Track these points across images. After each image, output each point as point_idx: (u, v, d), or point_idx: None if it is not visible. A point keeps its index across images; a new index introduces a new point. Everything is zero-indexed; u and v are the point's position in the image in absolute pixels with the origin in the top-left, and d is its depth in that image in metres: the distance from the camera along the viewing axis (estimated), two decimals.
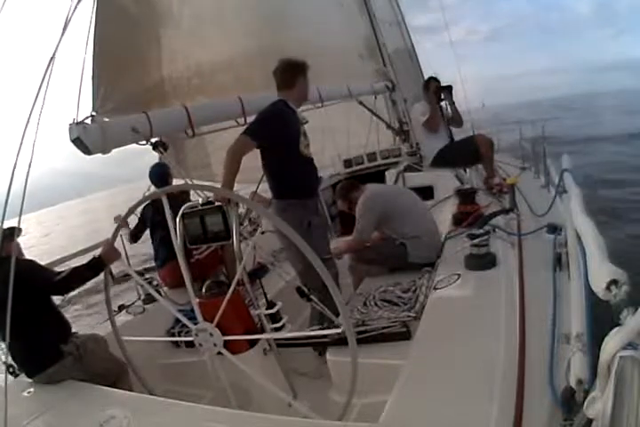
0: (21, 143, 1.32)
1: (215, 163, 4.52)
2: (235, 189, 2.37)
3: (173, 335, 2.60)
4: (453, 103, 4.29)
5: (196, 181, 3.08)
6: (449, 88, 4.25)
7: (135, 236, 3.34)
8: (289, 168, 2.49)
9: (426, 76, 5.42)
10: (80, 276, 2.07)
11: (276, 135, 2.40)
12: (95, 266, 2.08)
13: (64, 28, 1.66)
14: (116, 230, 2.13)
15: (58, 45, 1.57)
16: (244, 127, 2.46)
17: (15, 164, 1.31)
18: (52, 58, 1.49)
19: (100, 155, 2.29)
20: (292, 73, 2.53)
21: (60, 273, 2.05)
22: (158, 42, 2.85)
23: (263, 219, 4.08)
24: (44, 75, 1.44)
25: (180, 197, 2.82)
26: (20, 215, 1.51)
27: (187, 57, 3.03)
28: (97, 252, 2.15)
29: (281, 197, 2.54)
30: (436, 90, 4.20)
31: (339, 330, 1.51)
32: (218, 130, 3.31)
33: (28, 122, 1.35)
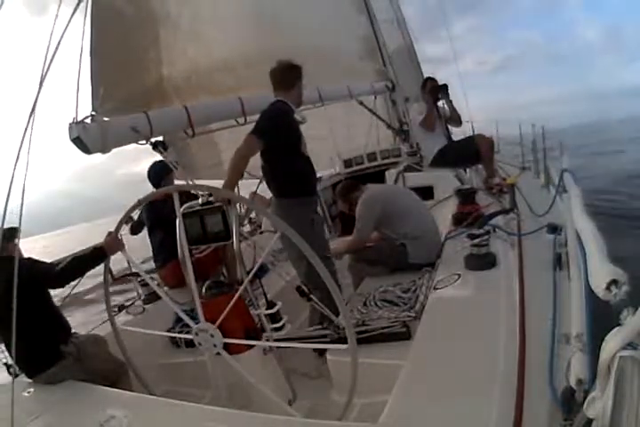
0: (17, 158, 1.31)
1: (227, 161, 4.53)
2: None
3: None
4: (451, 102, 4.30)
5: (206, 181, 3.07)
6: (445, 87, 4.25)
7: (135, 229, 3.39)
8: (292, 167, 2.51)
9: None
10: (80, 265, 2.03)
11: (282, 134, 2.42)
12: (96, 255, 2.04)
13: (64, 30, 1.67)
14: (120, 223, 2.11)
15: (57, 48, 1.57)
16: (249, 127, 2.47)
17: (12, 179, 1.30)
18: (47, 68, 1.48)
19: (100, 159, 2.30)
20: (292, 74, 2.54)
21: (58, 264, 2.03)
22: (156, 42, 2.85)
23: (263, 219, 4.10)
24: (41, 80, 1.44)
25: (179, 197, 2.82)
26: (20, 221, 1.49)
27: (185, 57, 3.03)
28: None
29: (284, 195, 2.55)
30: (432, 89, 4.21)
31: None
32: (218, 129, 3.31)
33: (24, 135, 1.34)
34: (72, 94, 2.15)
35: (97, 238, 2.20)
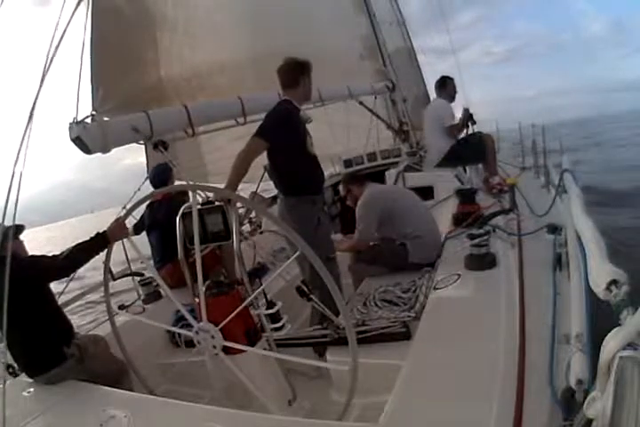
0: (19, 151, 1.31)
1: (209, 163, 4.60)
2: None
3: (174, 335, 2.60)
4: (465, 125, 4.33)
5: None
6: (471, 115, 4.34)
7: (138, 228, 3.35)
8: (298, 166, 2.52)
9: (425, 77, 5.47)
10: (83, 251, 1.99)
11: (287, 135, 2.42)
12: (98, 242, 2.00)
13: (64, 30, 1.67)
14: (129, 211, 2.09)
15: (57, 48, 1.57)
16: (249, 128, 2.47)
17: (13, 171, 1.30)
18: (49, 62, 1.49)
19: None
20: (296, 72, 2.55)
21: (61, 254, 1.99)
22: (154, 43, 2.86)
23: (263, 218, 4.10)
24: (42, 77, 1.44)
25: (177, 198, 2.83)
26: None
27: (182, 59, 3.04)
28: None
29: (291, 193, 2.56)
30: (468, 116, 4.25)
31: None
32: (218, 129, 3.32)
33: (26, 128, 1.34)
34: (72, 94, 2.15)
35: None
